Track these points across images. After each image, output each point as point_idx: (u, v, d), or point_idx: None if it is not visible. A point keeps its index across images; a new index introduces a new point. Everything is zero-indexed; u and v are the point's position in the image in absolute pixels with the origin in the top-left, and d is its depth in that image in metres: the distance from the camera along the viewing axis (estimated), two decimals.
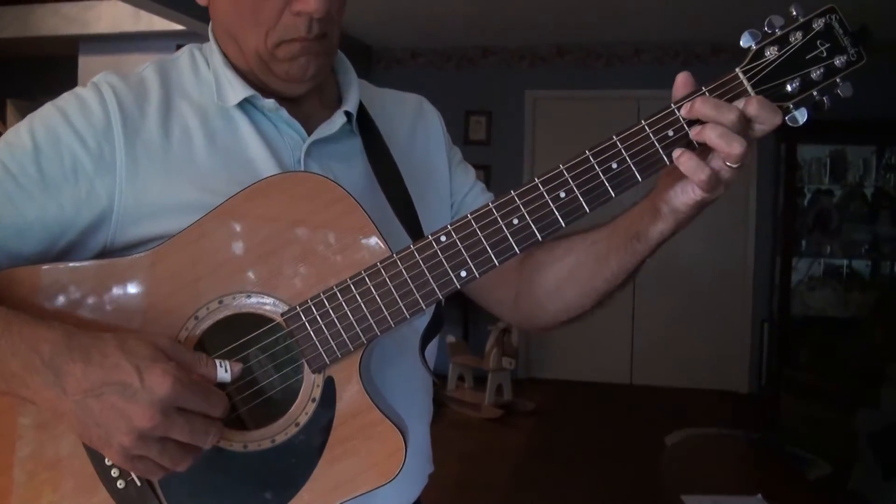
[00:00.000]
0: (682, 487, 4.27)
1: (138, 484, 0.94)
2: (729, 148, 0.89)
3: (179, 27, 4.64)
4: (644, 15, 5.73)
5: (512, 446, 5.37)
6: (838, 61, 0.93)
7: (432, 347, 1.20)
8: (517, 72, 7.00)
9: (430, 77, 7.09)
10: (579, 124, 6.75)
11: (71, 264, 0.98)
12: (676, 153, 0.92)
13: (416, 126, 1.28)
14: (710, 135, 0.90)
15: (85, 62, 5.92)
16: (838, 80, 0.94)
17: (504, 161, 6.90)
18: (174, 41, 5.23)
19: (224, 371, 0.89)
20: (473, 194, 1.30)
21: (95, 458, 0.94)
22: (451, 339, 6.46)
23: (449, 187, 1.28)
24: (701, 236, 6.64)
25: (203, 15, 1.14)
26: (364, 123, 1.17)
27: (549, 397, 6.53)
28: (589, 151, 0.94)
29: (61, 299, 0.96)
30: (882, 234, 6.16)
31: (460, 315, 6.87)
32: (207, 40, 1.16)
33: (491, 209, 0.95)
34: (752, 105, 0.90)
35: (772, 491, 4.17)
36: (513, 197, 0.95)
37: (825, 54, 0.93)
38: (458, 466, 4.85)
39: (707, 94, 0.93)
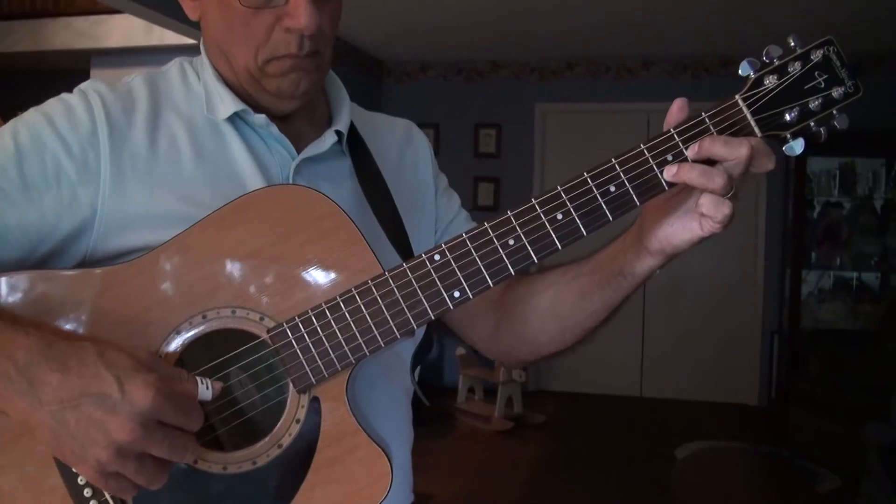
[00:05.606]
0: (692, 500, 4.26)
1: None
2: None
3: (192, 41, 4.65)
4: (653, 28, 5.73)
5: (522, 458, 5.35)
6: (836, 93, 0.93)
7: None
8: (527, 85, 7.01)
9: (440, 90, 7.12)
10: (589, 137, 6.77)
11: (50, 272, 0.95)
12: (671, 169, 0.91)
13: (406, 150, 1.26)
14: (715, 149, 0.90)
15: (96, 76, 5.93)
16: (835, 111, 0.93)
17: (513, 174, 6.87)
18: (186, 55, 5.25)
19: (205, 388, 0.85)
20: (458, 222, 1.27)
21: (67, 476, 0.90)
22: (460, 350, 6.42)
23: (434, 213, 1.26)
24: (710, 249, 6.62)
25: None
26: (354, 144, 1.15)
27: (559, 409, 6.51)
28: (587, 173, 0.93)
29: (38, 307, 0.92)
30: (892, 247, 6.13)
31: None
32: None
33: (486, 229, 0.93)
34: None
35: None
36: (509, 217, 0.93)
37: (823, 85, 0.93)
38: (468, 479, 4.85)
39: (714, 132, 0.91)
